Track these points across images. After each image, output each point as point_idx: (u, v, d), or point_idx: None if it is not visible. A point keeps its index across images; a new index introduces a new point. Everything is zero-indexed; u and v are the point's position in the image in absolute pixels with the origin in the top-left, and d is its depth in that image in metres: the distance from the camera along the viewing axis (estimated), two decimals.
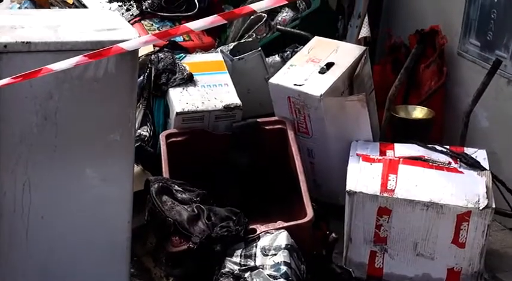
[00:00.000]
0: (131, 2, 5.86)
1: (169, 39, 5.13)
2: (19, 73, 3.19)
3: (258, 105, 4.84)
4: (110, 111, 3.51)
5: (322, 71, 4.48)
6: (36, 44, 3.32)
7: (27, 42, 3.30)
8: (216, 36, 5.79)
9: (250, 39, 5.33)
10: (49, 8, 5.88)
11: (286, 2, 3.07)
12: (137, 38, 3.11)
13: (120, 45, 3.05)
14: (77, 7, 6.13)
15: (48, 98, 3.38)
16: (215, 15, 2.96)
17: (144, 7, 5.75)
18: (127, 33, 3.50)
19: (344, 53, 4.63)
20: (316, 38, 4.85)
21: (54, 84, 3.35)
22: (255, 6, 3.02)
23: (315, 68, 4.52)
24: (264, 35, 5.63)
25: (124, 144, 3.58)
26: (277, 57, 5.28)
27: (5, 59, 3.28)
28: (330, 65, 4.51)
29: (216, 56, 4.99)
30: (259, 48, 5.12)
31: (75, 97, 3.42)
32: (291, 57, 4.98)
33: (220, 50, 5.10)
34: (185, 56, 4.91)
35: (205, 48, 5.49)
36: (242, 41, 5.33)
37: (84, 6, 5.94)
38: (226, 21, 3.02)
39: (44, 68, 2.95)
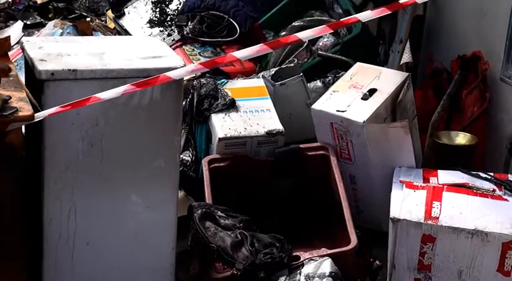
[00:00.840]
0: (172, 27, 5.91)
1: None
2: (65, 100, 3.23)
3: (299, 130, 4.84)
4: (154, 138, 3.53)
5: (365, 97, 4.47)
6: (83, 72, 3.35)
7: (73, 70, 3.33)
8: (257, 61, 5.81)
9: (292, 64, 5.33)
10: (91, 33, 5.95)
11: (331, 31, 3.08)
12: (184, 67, 3.13)
13: (168, 74, 3.07)
14: (118, 32, 6.19)
15: (94, 125, 3.40)
16: (261, 44, 2.97)
17: (185, 32, 5.80)
18: (172, 60, 3.53)
19: (386, 79, 4.62)
20: (358, 64, 4.85)
21: (101, 111, 3.37)
22: (300, 35, 3.03)
23: (357, 94, 4.52)
24: (305, 60, 5.64)
25: (169, 171, 3.60)
26: (318, 83, 5.28)
27: (52, 86, 3.32)
28: (372, 91, 4.50)
29: (258, 82, 5.01)
30: (301, 74, 5.12)
31: (120, 124, 3.44)
32: (333, 82, 4.98)
33: (262, 75, 5.11)
34: (227, 82, 4.94)
35: (247, 74, 5.51)
36: (283, 66, 5.34)
37: (126, 31, 6.01)
38: (272, 50, 3.03)
39: (92, 97, 2.98)
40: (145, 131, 3.50)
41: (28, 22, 8.52)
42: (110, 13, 6.91)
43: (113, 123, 3.42)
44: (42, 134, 3.35)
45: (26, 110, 3.01)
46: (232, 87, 4.89)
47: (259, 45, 2.98)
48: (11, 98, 3.00)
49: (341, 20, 3.17)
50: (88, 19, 6.28)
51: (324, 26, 3.04)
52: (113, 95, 3.01)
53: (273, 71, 5.25)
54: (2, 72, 3.12)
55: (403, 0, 3.14)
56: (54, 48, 3.57)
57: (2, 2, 8.74)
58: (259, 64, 5.81)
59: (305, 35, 3.04)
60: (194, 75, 4.96)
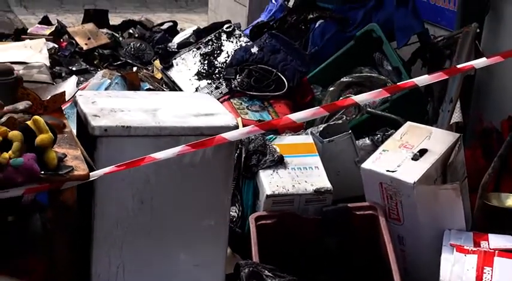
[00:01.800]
0: (220, 80, 5.93)
1: (260, 120, 5.17)
2: (118, 156, 3.24)
3: (347, 188, 4.79)
4: (205, 197, 3.53)
5: (415, 158, 4.42)
6: (136, 129, 3.36)
7: (127, 127, 3.35)
8: None
9: (340, 121, 5.29)
10: (139, 83, 5.98)
11: (388, 95, 3.06)
12: (240, 129, 3.12)
13: (223, 135, 3.07)
14: (165, 82, 6.22)
15: (146, 182, 3.41)
16: (317, 107, 2.97)
17: (233, 85, 5.80)
18: (224, 119, 3.54)
19: (437, 140, 4.57)
20: (408, 123, 4.80)
21: (152, 169, 3.37)
22: (357, 99, 3.02)
23: (407, 154, 4.47)
24: (354, 116, 5.62)
25: (218, 229, 3.59)
26: (367, 140, 5.24)
27: (105, 142, 3.33)
28: (423, 152, 4.45)
29: (306, 138, 4.97)
30: (350, 131, 5.09)
31: (171, 182, 3.45)
32: (382, 140, 4.94)
33: (311, 132, 5.08)
34: (275, 138, 4.91)
35: (294, 129, 5.49)
36: (331, 122, 5.31)
37: (174, 83, 6.03)
38: (327, 113, 3.02)
39: (147, 157, 2.98)
40: (196, 189, 3.50)
41: (74, 68, 8.63)
42: (157, 63, 6.96)
43: (164, 181, 3.43)
44: (93, 191, 3.36)
45: (81, 169, 3.01)
46: (281, 143, 4.86)
47: (315, 108, 2.98)
48: (66, 156, 3.00)
49: (398, 84, 3.16)
50: (135, 69, 6.30)
51: (381, 90, 3.03)
52: (168, 156, 3.01)
53: (321, 127, 5.21)
54: (57, 129, 3.13)
55: (461, 65, 3.11)
56: (108, 104, 3.59)
57: (48, 48, 8.86)
58: None
59: (361, 98, 3.02)
60: None
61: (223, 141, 3.05)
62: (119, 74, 5.88)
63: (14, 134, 2.86)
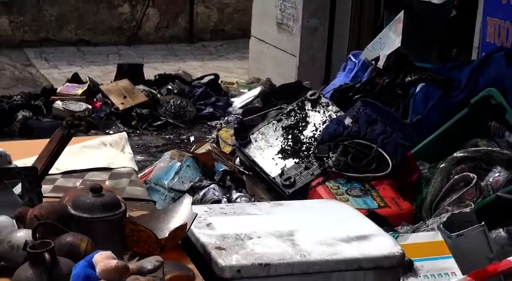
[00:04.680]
0: (310, 159, 5.04)
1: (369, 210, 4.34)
2: None
3: None
4: None
5: None
6: (277, 267, 2.53)
7: (265, 265, 2.50)
8: (412, 199, 4.92)
9: (468, 209, 4.39)
10: (213, 164, 5.12)
11: None
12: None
13: None
14: (242, 162, 5.37)
15: None
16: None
17: (327, 165, 4.91)
18: (385, 244, 2.69)
19: None
20: None
21: None
22: None
23: None
24: (474, 199, 4.71)
25: None
26: (502, 232, 4.34)
27: None
28: None
29: (434, 236, 4.10)
30: (483, 223, 4.20)
31: None
32: None
33: (438, 226, 4.19)
34: (397, 236, 4.03)
35: (404, 217, 4.64)
36: (456, 211, 4.41)
37: (253, 162, 5.16)
38: None
39: None
40: None
41: (111, 132, 8.08)
42: (223, 134, 6.10)
43: None
44: None
45: None
46: (405, 243, 3.97)
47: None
48: None
49: None
50: (207, 147, 5.43)
51: None
52: None
53: (444, 217, 4.33)
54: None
55: None
56: (228, 226, 2.76)
57: (82, 110, 8.13)
58: (414, 203, 4.91)
59: None
60: None
61: None
62: (190, 155, 5.01)
63: None
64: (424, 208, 4.89)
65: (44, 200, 2.73)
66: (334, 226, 2.90)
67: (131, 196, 3.03)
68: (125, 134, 3.75)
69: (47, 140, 2.92)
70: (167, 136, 8.24)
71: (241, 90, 9.50)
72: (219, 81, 9.48)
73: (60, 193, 2.96)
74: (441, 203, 4.85)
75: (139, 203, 3.01)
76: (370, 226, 2.95)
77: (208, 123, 8.63)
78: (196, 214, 2.53)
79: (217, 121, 8.67)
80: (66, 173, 3.26)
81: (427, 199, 4.89)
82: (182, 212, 2.56)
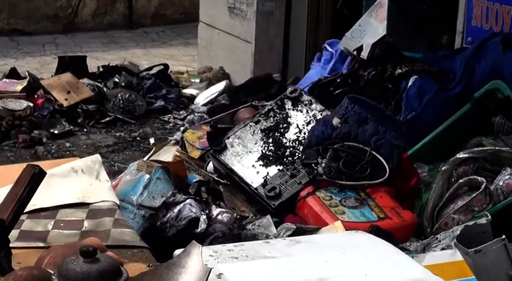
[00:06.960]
0: (296, 166, 4.48)
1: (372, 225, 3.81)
2: None
3: None
4: None
5: None
6: None
7: None
8: (412, 206, 4.41)
9: (484, 220, 3.88)
10: (185, 175, 4.53)
11: None
12: None
13: None
14: (216, 170, 4.78)
15: None
16: None
17: (316, 172, 4.35)
18: None
19: None
20: None
21: None
22: None
23: None
24: (484, 205, 4.21)
25: None
26: None
27: None
28: None
29: (452, 255, 3.58)
30: (504, 236, 3.70)
31: None
32: None
33: (455, 243, 3.67)
34: (412, 256, 3.51)
35: (408, 229, 4.14)
36: (470, 223, 3.91)
37: (231, 171, 4.58)
38: None
39: None
40: None
41: (56, 131, 7.50)
42: (189, 136, 5.49)
43: None
44: None
45: None
46: (422, 265, 3.45)
47: None
48: None
49: None
50: (178, 155, 4.83)
51: None
52: None
53: (457, 230, 3.83)
54: None
55: None
56: (242, 277, 2.21)
57: (22, 108, 7.56)
58: (414, 210, 4.40)
59: None
60: None
61: None
62: (159, 166, 4.39)
63: None
64: (425, 215, 4.38)
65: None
66: (373, 269, 2.38)
67: (119, 243, 2.43)
68: (98, 156, 3.13)
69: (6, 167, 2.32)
70: (117, 134, 7.72)
71: (193, 80, 8.97)
72: (169, 72, 8.93)
73: (31, 242, 2.37)
74: (444, 210, 4.35)
75: (131, 252, 2.42)
76: (415, 268, 2.44)
77: (161, 117, 8.13)
78: (211, 269, 1.95)
79: (170, 115, 8.15)
80: (33, 212, 2.64)
81: (428, 205, 4.38)
82: (191, 266, 1.98)
